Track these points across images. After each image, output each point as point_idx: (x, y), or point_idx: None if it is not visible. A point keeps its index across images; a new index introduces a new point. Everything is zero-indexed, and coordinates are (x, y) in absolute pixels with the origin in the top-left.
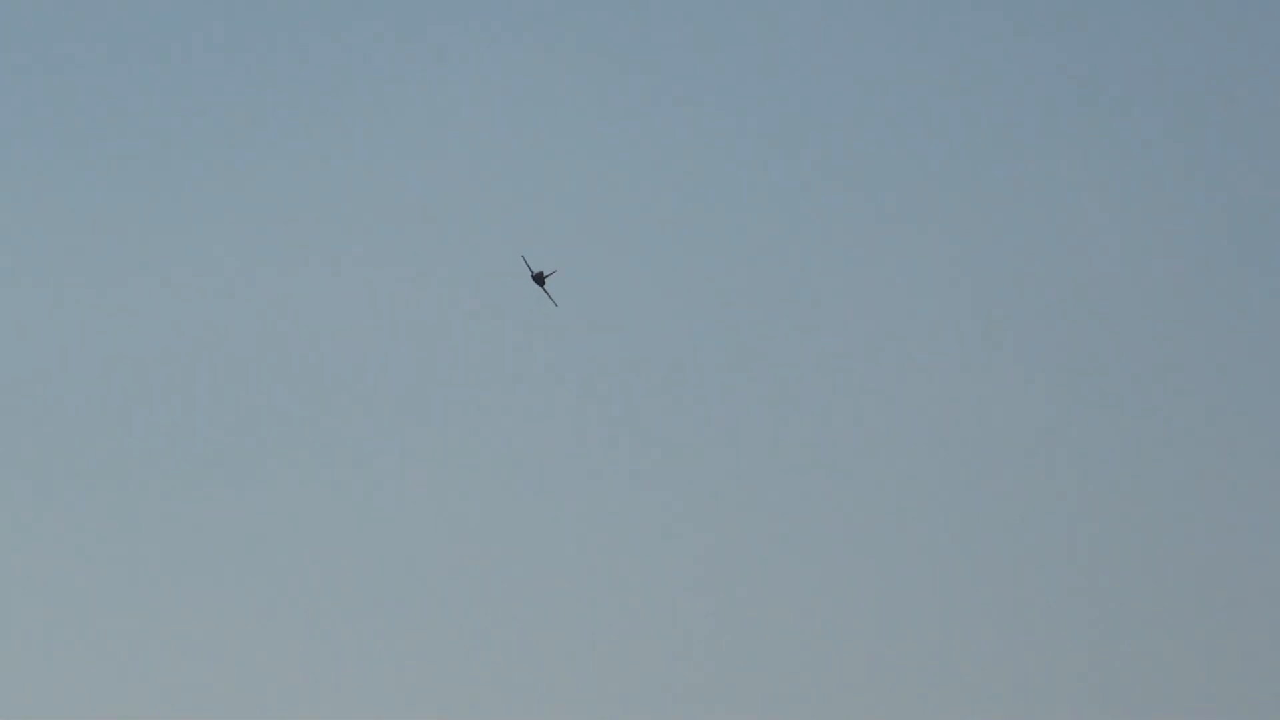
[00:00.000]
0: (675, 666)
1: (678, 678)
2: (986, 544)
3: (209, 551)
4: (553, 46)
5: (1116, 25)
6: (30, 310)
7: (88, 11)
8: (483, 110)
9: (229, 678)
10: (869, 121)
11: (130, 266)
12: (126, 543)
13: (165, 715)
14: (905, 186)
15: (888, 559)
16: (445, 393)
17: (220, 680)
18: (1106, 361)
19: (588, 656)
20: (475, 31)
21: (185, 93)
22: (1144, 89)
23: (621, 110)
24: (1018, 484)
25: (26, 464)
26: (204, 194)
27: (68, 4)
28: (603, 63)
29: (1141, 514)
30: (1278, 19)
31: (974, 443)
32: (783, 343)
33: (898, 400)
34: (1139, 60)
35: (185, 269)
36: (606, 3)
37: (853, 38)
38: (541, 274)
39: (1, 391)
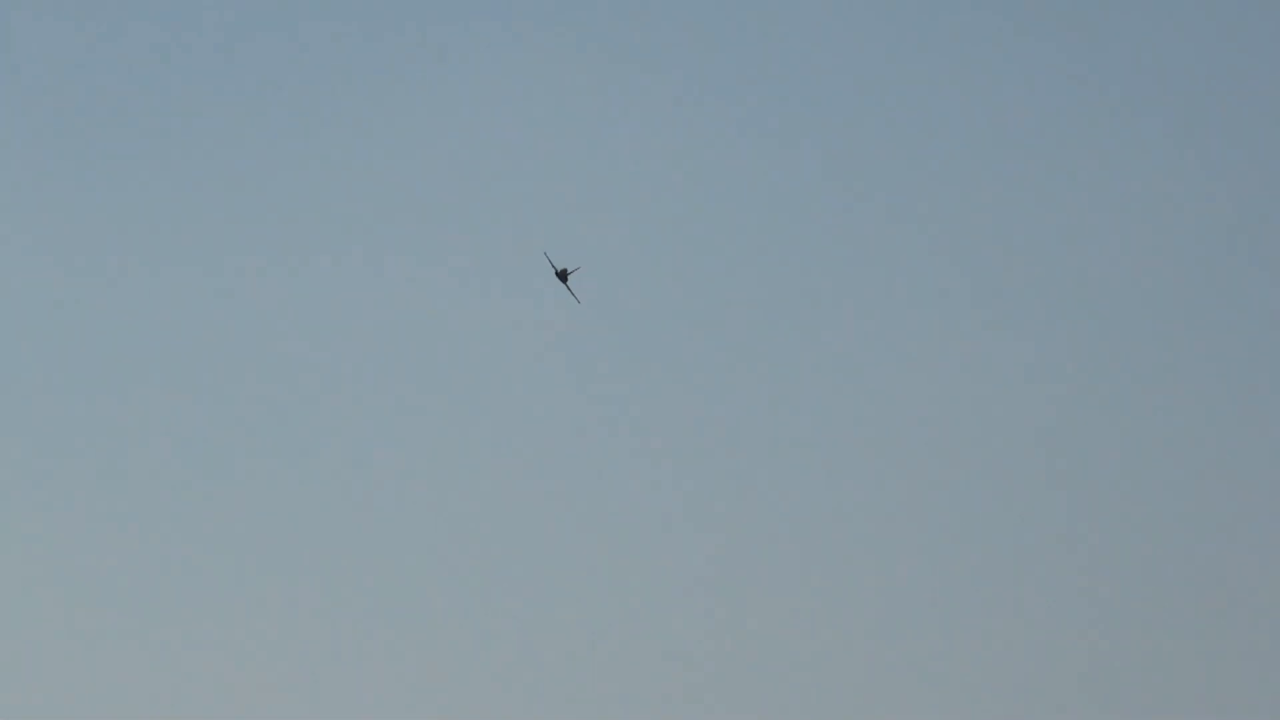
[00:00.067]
0: (677, 667)
1: (680, 678)
2: (990, 544)
3: (210, 549)
4: (553, 46)
5: (1117, 25)
6: (30, 310)
7: (88, 11)
8: (483, 109)
9: (229, 677)
10: (872, 119)
11: (132, 265)
12: (127, 541)
13: (165, 715)
14: (909, 186)
15: (894, 559)
16: (445, 392)
17: (220, 680)
18: (1107, 361)
19: (589, 656)
20: (475, 31)
21: (186, 92)
22: (1144, 89)
23: (622, 110)
24: (1021, 484)
25: (27, 463)
26: (206, 193)
27: (68, 4)
28: (603, 62)
29: (1142, 513)
30: (1278, 19)
31: (981, 443)
32: (784, 343)
33: (912, 400)
34: (1139, 60)
35: (187, 268)
36: (606, 3)
37: (855, 36)
38: (565, 271)
39: (2, 391)
